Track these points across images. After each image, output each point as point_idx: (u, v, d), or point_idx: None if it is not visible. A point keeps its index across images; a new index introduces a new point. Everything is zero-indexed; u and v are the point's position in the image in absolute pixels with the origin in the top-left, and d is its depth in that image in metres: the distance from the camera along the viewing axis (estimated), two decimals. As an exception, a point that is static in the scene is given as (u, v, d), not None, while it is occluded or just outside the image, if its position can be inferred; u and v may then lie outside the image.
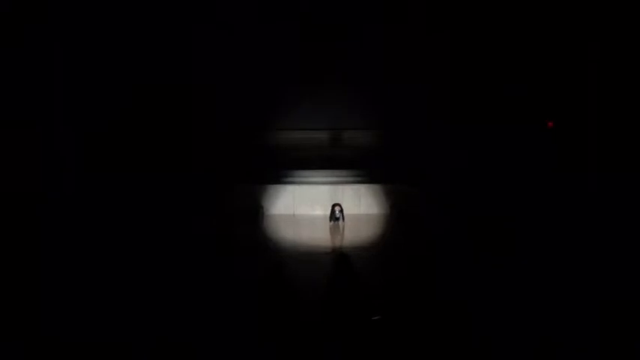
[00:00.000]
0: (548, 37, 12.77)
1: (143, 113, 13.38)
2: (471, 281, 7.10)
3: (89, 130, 12.92)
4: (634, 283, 7.03)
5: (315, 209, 13.26)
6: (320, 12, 14.42)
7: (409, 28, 14.28)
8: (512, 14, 13.14)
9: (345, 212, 12.15)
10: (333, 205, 12.13)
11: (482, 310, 6.03)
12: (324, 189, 13.45)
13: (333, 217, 11.96)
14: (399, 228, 11.95)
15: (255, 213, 13.01)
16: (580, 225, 10.21)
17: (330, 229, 11.72)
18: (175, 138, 13.66)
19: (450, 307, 5.86)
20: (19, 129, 12.18)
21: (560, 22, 12.55)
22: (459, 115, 13.69)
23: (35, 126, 12.36)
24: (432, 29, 14.02)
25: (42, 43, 12.37)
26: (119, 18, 13.08)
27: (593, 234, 9.60)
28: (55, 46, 12.57)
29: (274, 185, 13.51)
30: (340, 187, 13.49)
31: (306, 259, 8.80)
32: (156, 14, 13.30)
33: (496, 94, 13.43)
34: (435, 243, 9.96)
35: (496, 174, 12.55)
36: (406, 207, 13.02)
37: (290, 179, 13.74)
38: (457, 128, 13.61)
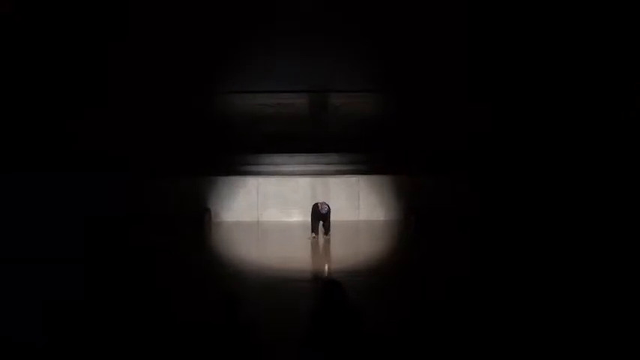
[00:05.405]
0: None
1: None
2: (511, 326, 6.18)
3: None
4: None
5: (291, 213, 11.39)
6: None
7: None
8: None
9: (335, 217, 10.33)
10: (316, 205, 10.25)
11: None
12: (305, 182, 11.50)
13: (316, 223, 10.25)
14: (419, 243, 10.31)
15: (198, 219, 10.69)
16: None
17: (313, 242, 10.15)
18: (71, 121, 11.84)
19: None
20: None
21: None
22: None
23: None
24: None
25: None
26: None
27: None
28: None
29: (229, 177, 11.36)
30: (329, 180, 11.51)
31: (276, 288, 7.61)
32: None
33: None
34: (470, 264, 8.47)
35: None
36: (430, 210, 10.94)
37: (253, 168, 11.64)
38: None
